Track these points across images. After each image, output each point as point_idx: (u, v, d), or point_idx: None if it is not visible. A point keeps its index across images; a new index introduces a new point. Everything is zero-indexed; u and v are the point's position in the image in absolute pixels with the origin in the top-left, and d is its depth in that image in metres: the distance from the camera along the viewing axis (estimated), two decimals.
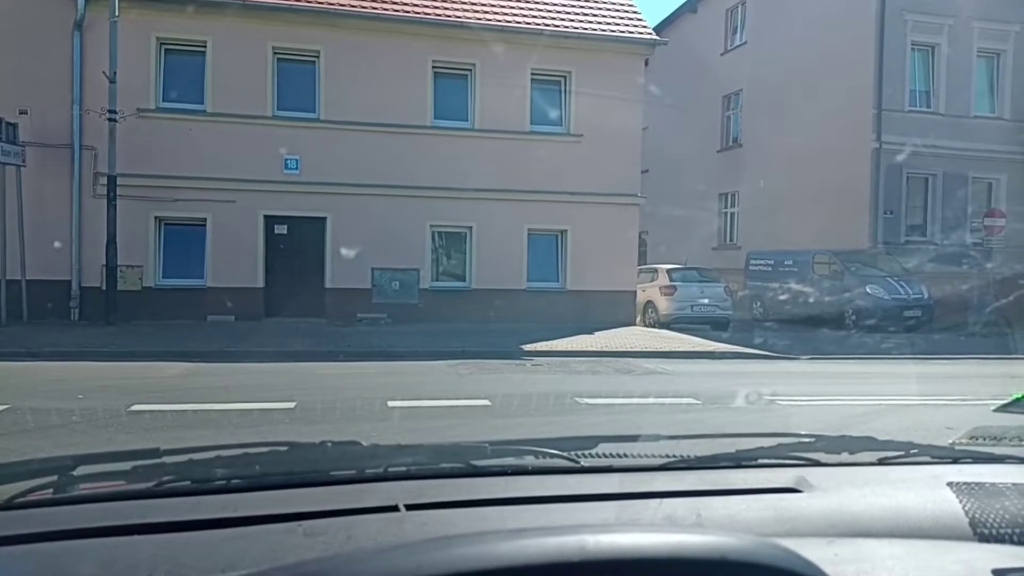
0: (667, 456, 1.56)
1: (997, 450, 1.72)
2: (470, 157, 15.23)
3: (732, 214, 24.24)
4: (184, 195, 14.16)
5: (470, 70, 15.51)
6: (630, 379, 9.54)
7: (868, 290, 16.39)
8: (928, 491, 1.40)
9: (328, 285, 14.89)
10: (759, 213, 21.78)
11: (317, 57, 14.91)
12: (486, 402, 7.26)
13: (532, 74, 15.65)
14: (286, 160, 14.67)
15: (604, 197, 15.62)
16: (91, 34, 13.70)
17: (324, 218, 14.89)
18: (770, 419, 6.71)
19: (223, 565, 1.03)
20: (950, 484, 1.42)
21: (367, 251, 14.81)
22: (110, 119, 13.10)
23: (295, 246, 14.82)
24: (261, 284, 14.63)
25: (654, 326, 15.95)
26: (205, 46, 14.41)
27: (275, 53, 14.75)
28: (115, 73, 13.07)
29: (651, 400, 7.91)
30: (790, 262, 18.23)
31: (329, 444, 1.60)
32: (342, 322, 14.35)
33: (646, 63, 16.31)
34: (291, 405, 6.81)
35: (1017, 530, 1.30)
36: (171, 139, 14.12)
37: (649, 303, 16.43)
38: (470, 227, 15.56)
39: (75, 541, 1.09)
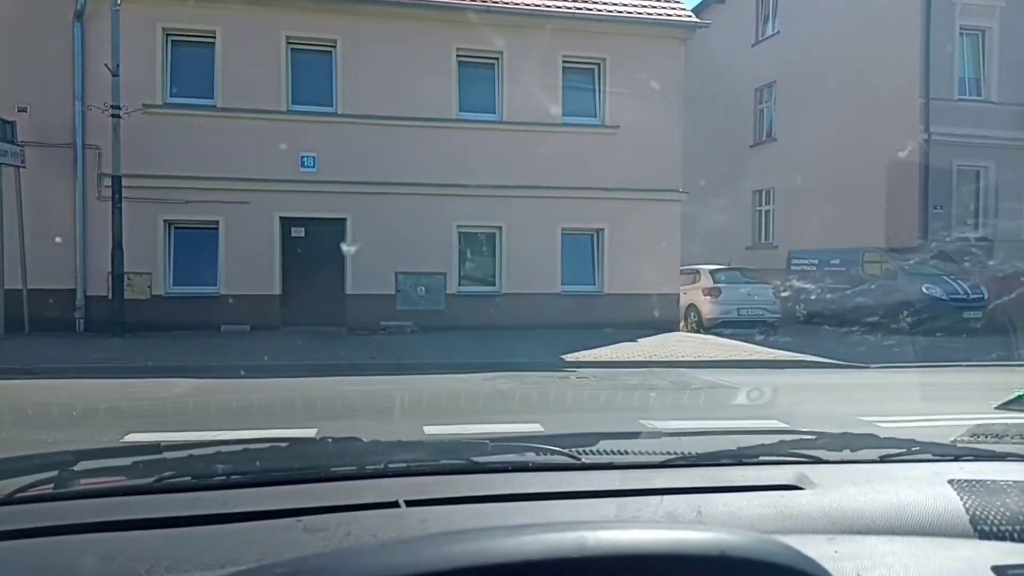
0: (668, 453, 1.57)
1: (999, 448, 1.70)
2: (498, 152, 14.21)
3: (767, 212, 23.11)
4: (194, 196, 13.22)
5: (497, 58, 14.50)
6: (693, 395, 8.45)
7: (925, 289, 15.25)
8: (929, 488, 1.39)
9: (349, 291, 13.89)
10: (796, 210, 20.64)
11: (334, 47, 13.95)
12: (537, 427, 6.21)
13: (564, 62, 14.61)
14: (302, 158, 13.70)
15: (643, 193, 14.53)
16: (93, 25, 12.79)
17: (343, 219, 13.90)
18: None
19: (223, 561, 1.02)
20: (951, 481, 1.41)
21: (390, 254, 13.82)
22: (114, 115, 12.17)
23: (313, 250, 13.84)
24: (278, 291, 13.65)
25: (697, 331, 14.85)
26: (214, 37, 13.48)
27: (289, 43, 13.80)
28: (118, 66, 12.14)
29: (734, 423, 6.83)
30: (837, 261, 17.13)
31: (329, 440, 1.61)
32: (365, 331, 13.35)
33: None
34: (312, 432, 5.83)
35: (1018, 527, 1.29)
36: (179, 136, 13.18)
37: (691, 306, 15.33)
38: (499, 227, 14.52)
39: (75, 536, 1.10)
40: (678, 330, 14.74)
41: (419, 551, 0.81)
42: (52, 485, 1.30)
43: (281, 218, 13.66)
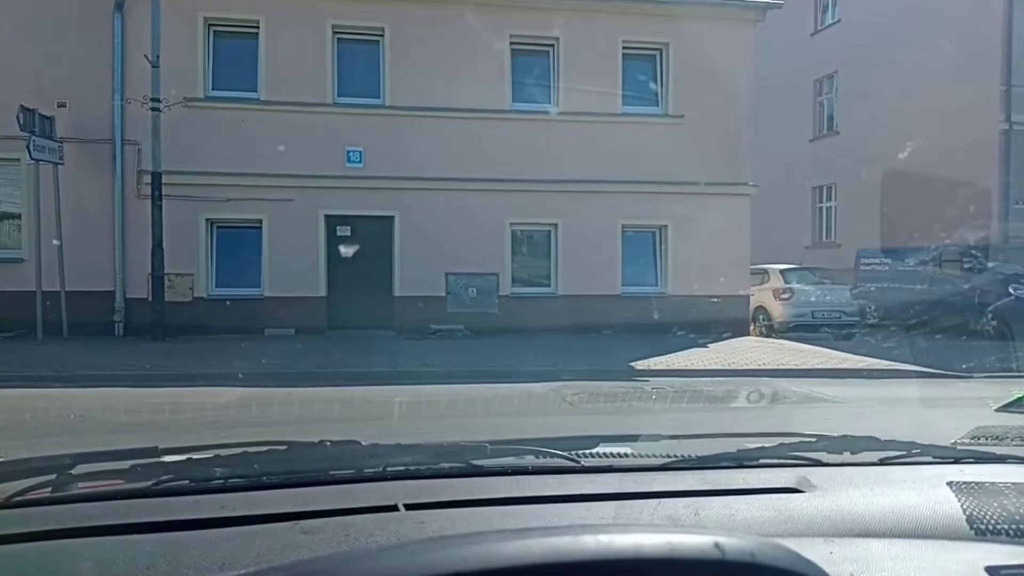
0: (668, 456, 1.56)
1: (999, 450, 1.68)
2: (554, 145, 13.36)
3: (828, 209, 21.92)
4: (237, 194, 12.61)
5: (552, 45, 13.67)
6: (791, 411, 7.44)
7: (1012, 291, 14.04)
8: (929, 491, 1.38)
9: (397, 293, 13.16)
10: (861, 207, 19.39)
11: (381, 35, 13.25)
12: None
13: (624, 48, 13.71)
14: (348, 152, 13.02)
15: (710, 187, 13.53)
16: (133, 16, 12.26)
17: (391, 217, 13.19)
18: None
19: (221, 564, 1.02)
20: (951, 484, 1.40)
21: (439, 254, 13.06)
22: (153, 108, 11.60)
23: (359, 249, 13.14)
24: (323, 293, 12.98)
25: (767, 334, 13.84)
26: (258, 27, 12.86)
27: (335, 32, 13.14)
28: (158, 57, 11.57)
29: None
30: (912, 261, 15.94)
31: (328, 443, 1.58)
32: (414, 334, 12.60)
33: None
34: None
35: (1014, 527, 1.28)
36: (222, 131, 12.59)
37: (759, 308, 14.32)
38: (555, 224, 13.68)
39: (74, 540, 1.09)
40: (748, 334, 13.73)
41: (418, 555, 0.81)
42: (50, 489, 1.30)
43: (327, 216, 12.99)
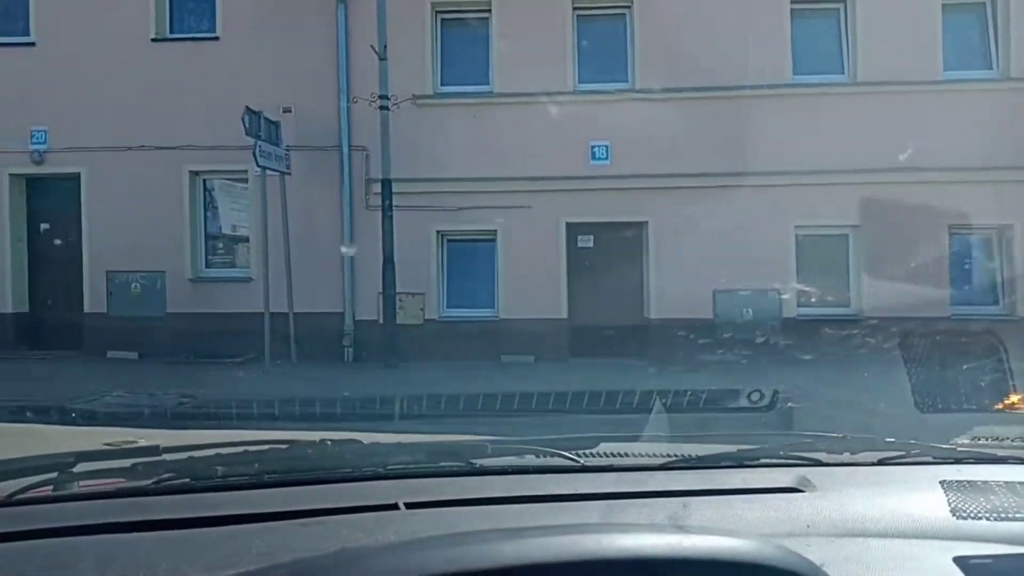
0: (668, 456, 1.57)
1: (998, 451, 1.68)
2: (849, 124, 10.54)
3: None
4: (468, 201, 11.06)
5: (843, 1, 10.87)
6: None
7: None
8: (929, 491, 1.38)
9: (651, 315, 10.96)
10: None
11: (628, 7, 11.17)
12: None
13: None
14: (593, 148, 11.04)
15: None
16: (357, 8, 11.09)
17: (643, 224, 11.04)
18: None
19: (222, 563, 1.01)
20: (949, 483, 1.41)
21: (704, 268, 10.69)
22: (382, 107, 10.30)
23: (604, 263, 11.13)
24: (564, 315, 11.09)
25: None
26: (489, 10, 11.26)
27: (575, 9, 11.24)
28: (385, 47, 10.26)
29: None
30: None
31: (328, 442, 1.58)
32: (675, 364, 10.30)
33: None
34: None
35: (994, 516, 1.30)
36: (452, 131, 11.09)
37: None
38: (853, 228, 10.85)
39: (75, 538, 1.09)
40: None
41: (419, 553, 0.82)
42: (51, 487, 1.29)
43: (568, 224, 11.10)
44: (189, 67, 11.23)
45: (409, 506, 1.23)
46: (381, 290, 10.59)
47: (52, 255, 11.70)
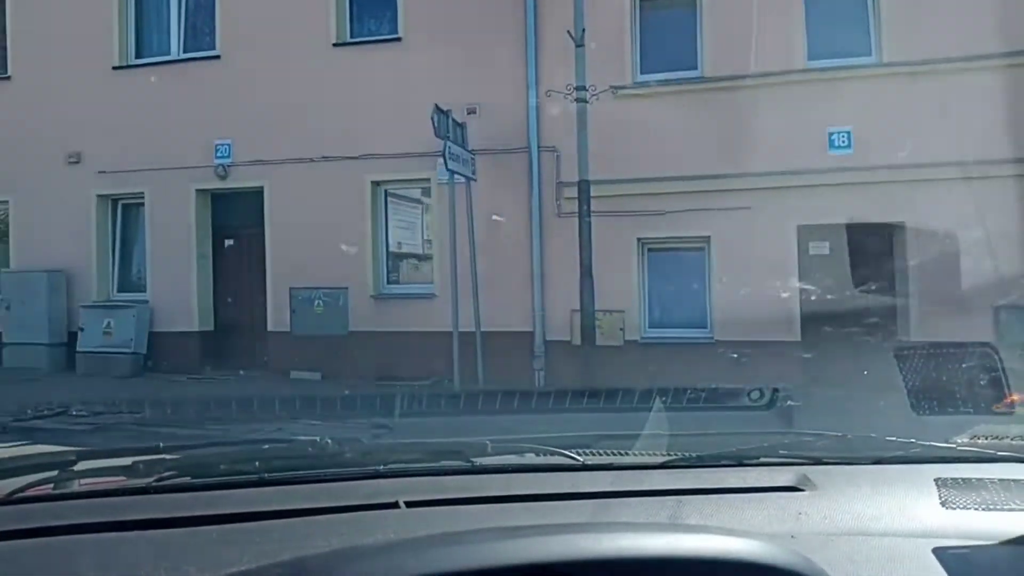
0: (668, 454, 1.57)
1: (997, 450, 1.66)
2: None
3: None
4: (675, 204, 9.54)
5: None
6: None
7: None
8: (928, 490, 1.38)
9: (912, 336, 8.89)
10: None
11: None
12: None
13: None
14: (831, 135, 9.19)
15: None
16: None
17: (897, 226, 9.02)
18: None
19: (222, 562, 1.01)
20: (948, 482, 1.41)
21: (978, 277, 8.52)
22: (578, 99, 9.04)
23: (845, 274, 9.19)
24: (795, 337, 9.26)
25: None
26: None
27: None
28: (583, 32, 9.00)
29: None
30: None
31: (329, 441, 1.55)
32: (949, 406, 8.20)
33: None
34: None
35: (982, 508, 1.31)
36: (655, 124, 9.61)
37: None
38: None
39: (75, 536, 1.10)
40: None
41: (420, 552, 0.82)
42: (51, 485, 1.30)
43: (799, 228, 9.29)
44: (371, 71, 10.57)
45: (409, 505, 1.23)
46: (577, 307, 9.29)
47: (236, 272, 11.43)
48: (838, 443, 1.65)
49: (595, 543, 0.84)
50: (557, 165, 9.97)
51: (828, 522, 1.25)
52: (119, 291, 11.81)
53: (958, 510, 1.30)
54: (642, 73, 10.00)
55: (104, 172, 11.47)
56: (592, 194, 9.26)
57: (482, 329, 9.57)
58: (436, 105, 8.61)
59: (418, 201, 11.27)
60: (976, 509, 1.30)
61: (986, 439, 1.84)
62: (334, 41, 10.86)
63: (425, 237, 10.94)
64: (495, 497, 1.29)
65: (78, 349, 11.19)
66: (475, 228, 9.67)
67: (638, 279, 9.79)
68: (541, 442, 1.57)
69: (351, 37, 11.02)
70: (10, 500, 1.21)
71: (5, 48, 12.23)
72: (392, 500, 1.23)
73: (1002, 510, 1.30)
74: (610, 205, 9.55)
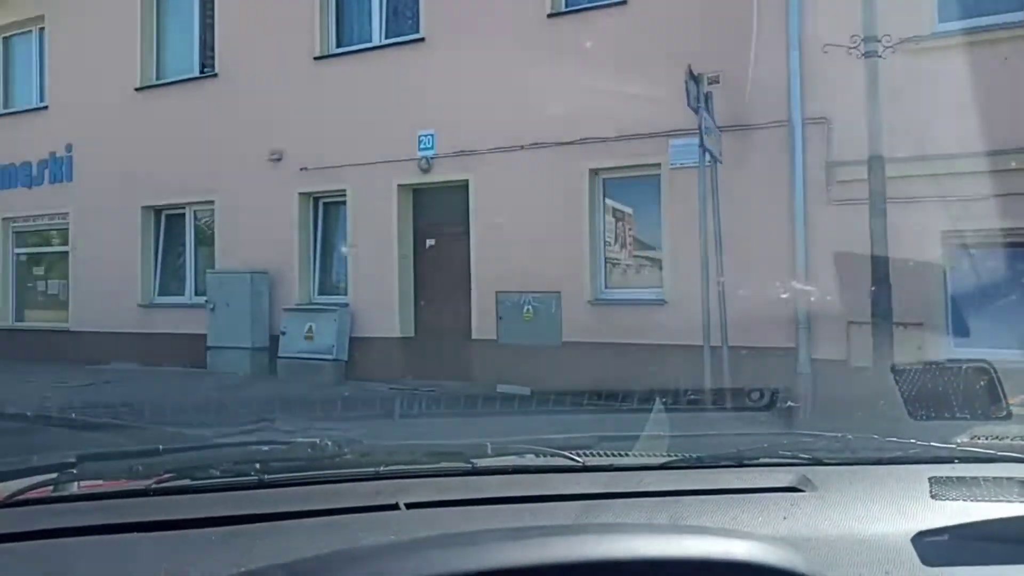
0: (668, 455, 1.57)
1: (996, 449, 1.66)
2: None
3: None
4: (991, 187, 7.29)
5: None
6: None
7: None
8: (928, 489, 1.37)
9: None
10: None
11: None
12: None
13: None
14: None
15: None
16: None
17: None
18: None
19: (223, 563, 1.00)
20: (946, 481, 1.42)
21: None
22: (867, 53, 7.10)
23: None
24: None
25: None
26: None
27: None
28: None
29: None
30: None
31: (328, 442, 1.52)
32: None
33: None
34: None
35: (971, 499, 1.32)
36: (963, 85, 7.45)
37: None
38: None
39: (75, 539, 1.09)
40: None
41: (420, 554, 0.81)
42: (51, 488, 1.28)
43: None
44: (591, 40, 9.17)
45: (409, 506, 1.23)
46: (855, 318, 7.37)
47: (438, 273, 10.46)
48: (838, 443, 1.66)
49: (595, 544, 0.84)
50: (827, 140, 8.04)
51: (828, 523, 1.24)
52: (319, 293, 11.26)
53: (958, 510, 1.29)
54: (940, 22, 7.84)
55: (306, 169, 10.95)
56: (857, 177, 7.30)
57: (733, 344, 7.86)
58: (689, 67, 7.02)
59: (633, 189, 9.70)
60: (962, 500, 1.32)
61: (986, 439, 1.82)
62: (548, 12, 9.58)
63: (650, 233, 9.37)
64: (495, 498, 1.28)
65: (279, 354, 10.72)
66: (721, 220, 7.98)
67: (941, 284, 7.65)
68: (541, 443, 1.58)
69: (566, 7, 9.69)
70: (10, 503, 1.20)
71: (213, 46, 12.12)
72: (392, 501, 1.22)
73: (987, 501, 1.31)
74: (901, 189, 7.48)
